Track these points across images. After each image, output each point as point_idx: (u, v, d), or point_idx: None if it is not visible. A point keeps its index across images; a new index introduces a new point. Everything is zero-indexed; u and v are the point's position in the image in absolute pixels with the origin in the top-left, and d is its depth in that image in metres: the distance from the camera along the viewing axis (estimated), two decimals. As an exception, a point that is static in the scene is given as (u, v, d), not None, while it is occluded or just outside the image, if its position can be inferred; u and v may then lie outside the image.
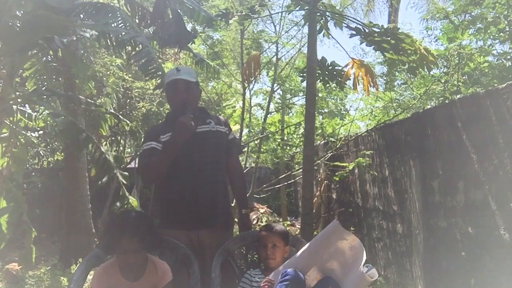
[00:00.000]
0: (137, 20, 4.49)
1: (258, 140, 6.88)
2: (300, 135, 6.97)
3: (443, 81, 4.84)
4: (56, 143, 7.91)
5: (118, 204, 6.96)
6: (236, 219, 2.86)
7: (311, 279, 2.13)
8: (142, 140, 2.60)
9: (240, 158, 6.71)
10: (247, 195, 6.24)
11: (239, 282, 2.38)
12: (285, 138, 7.39)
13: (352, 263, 2.11)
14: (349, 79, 3.84)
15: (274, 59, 6.42)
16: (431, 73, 4.48)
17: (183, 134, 2.30)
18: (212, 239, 2.40)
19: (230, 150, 2.57)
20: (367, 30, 3.61)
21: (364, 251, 2.12)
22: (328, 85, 4.23)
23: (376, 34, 3.57)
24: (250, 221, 2.68)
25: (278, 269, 2.20)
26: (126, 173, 4.54)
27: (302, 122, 6.31)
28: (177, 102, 2.45)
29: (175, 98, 2.47)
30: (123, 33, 3.86)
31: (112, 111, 6.13)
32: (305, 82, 3.73)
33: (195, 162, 2.40)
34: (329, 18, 3.91)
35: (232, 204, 2.90)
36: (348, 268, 2.12)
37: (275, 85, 6.53)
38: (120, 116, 5.22)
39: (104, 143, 7.79)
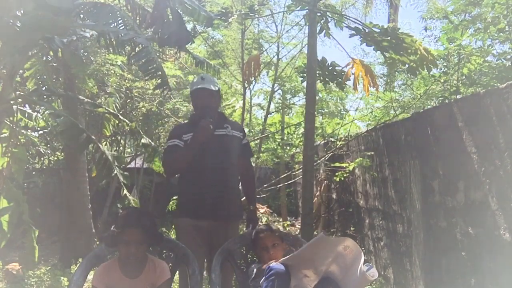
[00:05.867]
0: (138, 22, 4.49)
1: (258, 140, 6.87)
2: (300, 135, 6.97)
3: (442, 81, 4.83)
4: (56, 142, 7.92)
5: (118, 204, 6.97)
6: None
7: (311, 281, 2.13)
8: (168, 136, 2.98)
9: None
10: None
11: (239, 282, 2.39)
12: (285, 138, 7.39)
13: (351, 263, 2.12)
14: (349, 79, 3.84)
15: (275, 59, 6.42)
16: (431, 73, 4.47)
17: (203, 136, 2.63)
18: (219, 230, 2.66)
19: (243, 153, 2.89)
20: (367, 30, 3.62)
21: (361, 250, 2.13)
22: (328, 85, 4.24)
23: (376, 34, 3.57)
24: (256, 216, 3.00)
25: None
26: (127, 173, 4.54)
27: (302, 122, 6.31)
28: (200, 107, 2.79)
29: (198, 104, 2.81)
30: (123, 33, 3.85)
31: (114, 111, 6.14)
32: (305, 82, 3.73)
33: (211, 161, 2.68)
34: (329, 18, 3.91)
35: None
36: (347, 268, 2.13)
37: (275, 85, 6.53)
38: (120, 116, 5.21)
39: (104, 143, 7.79)
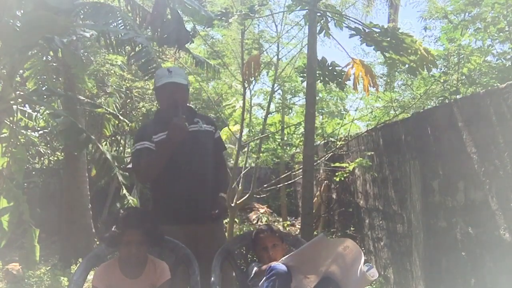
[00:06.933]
0: (138, 22, 4.50)
1: (258, 140, 6.87)
2: (300, 135, 6.97)
3: (442, 81, 4.83)
4: (56, 142, 7.92)
5: (118, 204, 6.97)
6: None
7: (311, 281, 2.13)
8: (135, 138, 2.65)
9: (240, 158, 6.69)
10: (247, 195, 6.27)
11: (239, 282, 2.38)
12: (285, 138, 7.39)
13: (351, 264, 2.12)
14: (349, 79, 3.84)
15: (275, 59, 6.42)
16: (431, 73, 4.47)
17: (179, 135, 2.39)
18: (205, 233, 2.51)
19: (216, 147, 2.71)
20: (367, 30, 3.62)
21: (361, 251, 2.13)
22: (328, 85, 4.23)
23: (376, 34, 3.57)
24: (225, 202, 2.78)
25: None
26: (126, 173, 4.54)
27: (302, 122, 6.31)
28: (169, 104, 2.52)
29: (167, 100, 2.54)
30: (123, 33, 3.86)
31: (114, 111, 6.15)
32: (305, 82, 3.73)
33: (187, 161, 2.48)
34: (329, 18, 3.91)
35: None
36: (347, 268, 2.13)
37: (275, 85, 6.53)
38: (119, 116, 5.22)
39: (104, 143, 7.80)
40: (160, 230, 2.24)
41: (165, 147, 2.42)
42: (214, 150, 2.67)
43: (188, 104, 2.76)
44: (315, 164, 5.16)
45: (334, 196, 6.83)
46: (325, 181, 6.99)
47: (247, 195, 6.28)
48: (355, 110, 6.67)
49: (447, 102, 4.32)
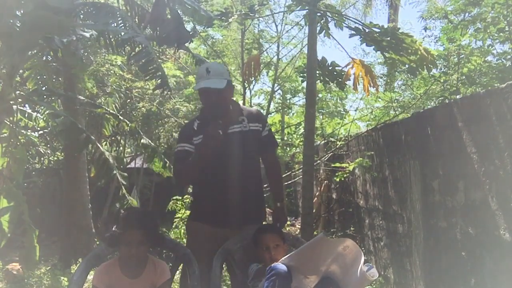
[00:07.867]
0: (137, 21, 4.50)
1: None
2: (300, 135, 6.98)
3: (442, 81, 4.84)
4: (56, 142, 7.92)
5: (118, 204, 6.98)
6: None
7: (311, 281, 2.13)
8: (177, 138, 2.65)
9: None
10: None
11: (239, 282, 2.38)
12: (285, 138, 7.40)
13: (351, 264, 2.12)
14: (349, 79, 3.84)
15: (275, 59, 6.43)
16: (431, 73, 4.47)
17: (212, 144, 2.32)
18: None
19: (265, 146, 2.58)
20: (367, 30, 3.62)
21: (361, 251, 2.13)
22: (328, 85, 4.24)
23: (376, 34, 3.58)
24: (284, 214, 2.71)
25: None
26: (125, 174, 4.54)
27: (302, 122, 6.31)
28: (208, 106, 2.47)
29: (204, 103, 2.51)
30: (123, 33, 3.86)
31: (114, 111, 6.14)
32: (305, 82, 3.74)
33: (225, 164, 2.42)
34: (329, 18, 3.92)
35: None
36: (347, 268, 2.13)
37: (275, 85, 6.54)
38: (119, 116, 5.22)
39: (104, 143, 7.80)
40: (160, 230, 2.24)
41: (201, 152, 2.38)
42: (263, 149, 2.57)
43: (233, 99, 2.62)
44: (315, 164, 5.16)
45: (334, 196, 6.83)
46: (325, 181, 6.98)
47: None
48: (355, 110, 6.69)
49: (447, 102, 4.33)
